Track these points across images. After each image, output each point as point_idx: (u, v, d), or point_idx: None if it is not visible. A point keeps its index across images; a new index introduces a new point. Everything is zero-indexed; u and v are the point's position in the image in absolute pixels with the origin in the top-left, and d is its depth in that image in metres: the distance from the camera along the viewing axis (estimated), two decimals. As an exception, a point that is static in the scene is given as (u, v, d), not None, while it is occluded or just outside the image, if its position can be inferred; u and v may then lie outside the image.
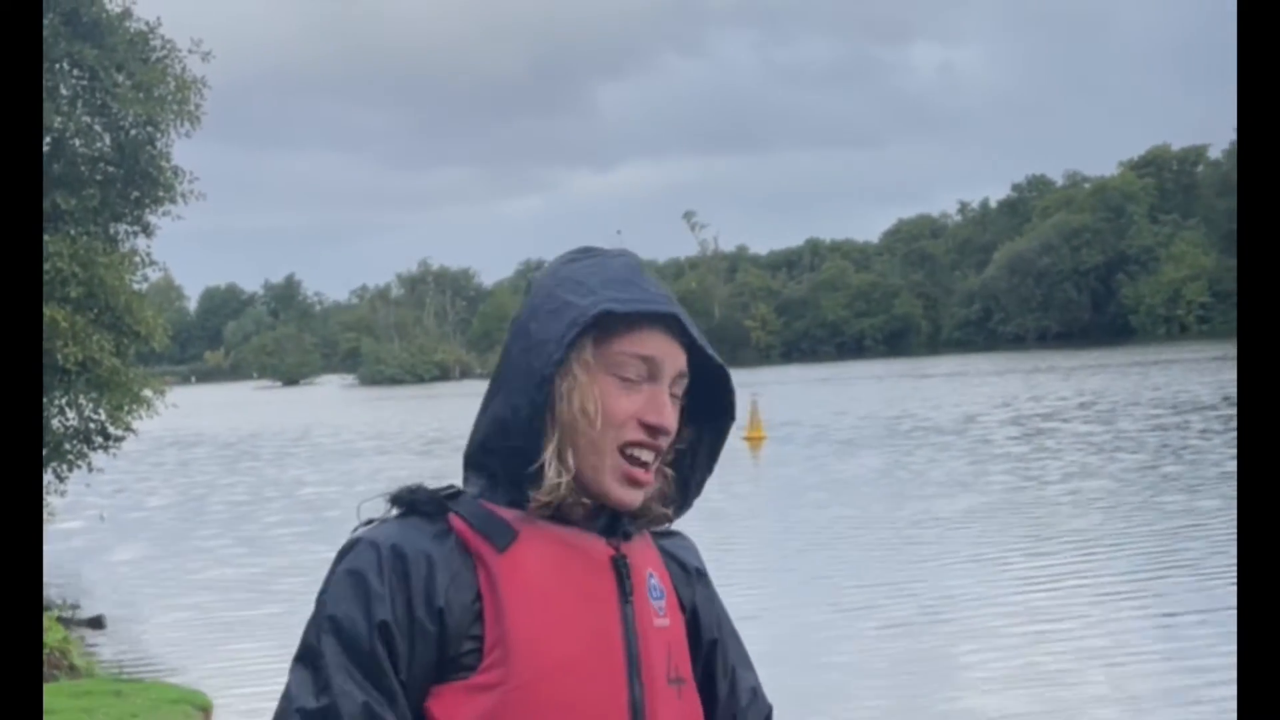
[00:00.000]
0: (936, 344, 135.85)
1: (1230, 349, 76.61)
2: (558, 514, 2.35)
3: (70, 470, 24.10)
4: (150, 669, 17.17)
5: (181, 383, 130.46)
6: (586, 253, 2.50)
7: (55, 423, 23.70)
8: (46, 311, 20.90)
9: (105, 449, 24.10)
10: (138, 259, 23.69)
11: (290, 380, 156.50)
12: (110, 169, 23.05)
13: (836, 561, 21.04)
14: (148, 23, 22.81)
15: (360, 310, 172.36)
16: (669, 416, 2.36)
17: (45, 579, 23.23)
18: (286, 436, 60.50)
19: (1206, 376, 58.21)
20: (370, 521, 2.36)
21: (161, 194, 23.05)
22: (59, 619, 18.64)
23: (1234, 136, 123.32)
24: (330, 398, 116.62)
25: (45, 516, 26.60)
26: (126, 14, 22.63)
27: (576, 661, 2.29)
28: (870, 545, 22.19)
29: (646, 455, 2.36)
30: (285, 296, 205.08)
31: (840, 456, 36.94)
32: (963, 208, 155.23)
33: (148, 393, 23.43)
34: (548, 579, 2.31)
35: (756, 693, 2.60)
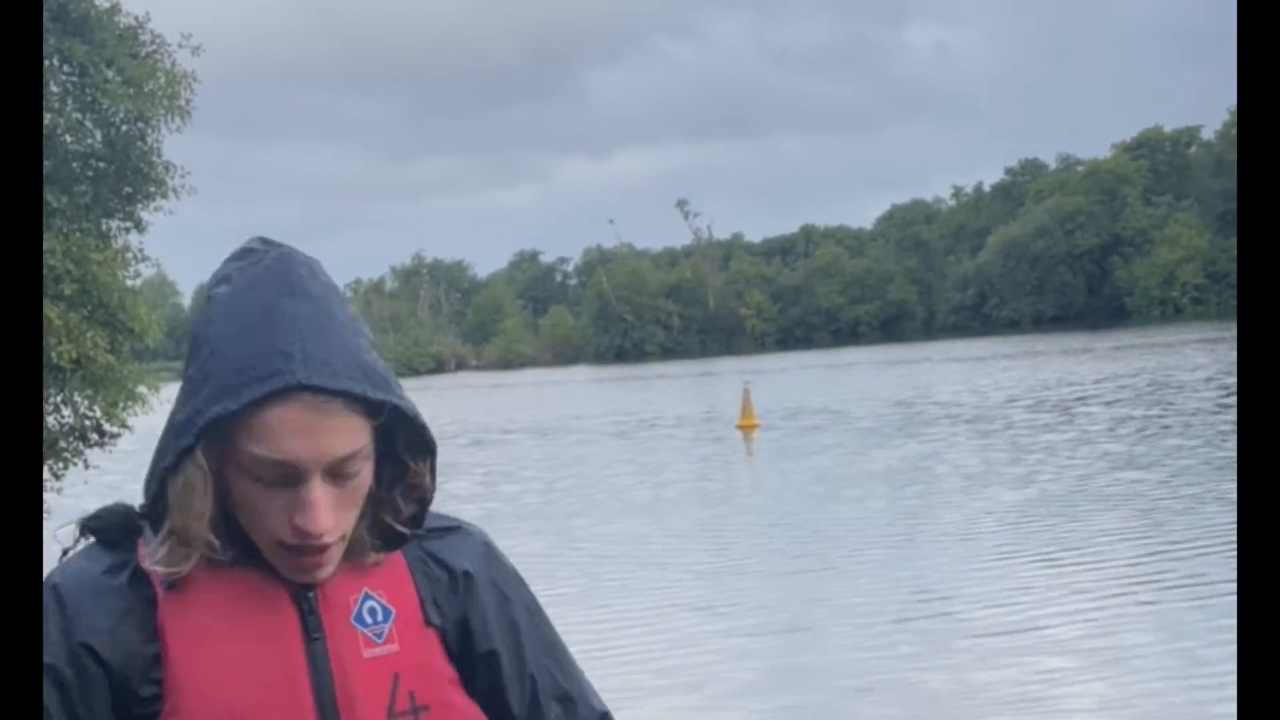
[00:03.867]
0: (932, 329, 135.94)
1: (1226, 330, 76.81)
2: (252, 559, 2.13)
3: (66, 468, 24.05)
4: None
5: (176, 379, 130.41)
6: (240, 261, 2.15)
7: (50, 420, 23.63)
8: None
9: (101, 446, 24.07)
10: (130, 255, 23.66)
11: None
12: (101, 165, 23.00)
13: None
14: (136, 17, 22.80)
15: (354, 304, 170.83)
16: (320, 520, 2.04)
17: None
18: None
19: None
20: (66, 553, 2.18)
21: (153, 189, 23.02)
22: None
23: (1226, 117, 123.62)
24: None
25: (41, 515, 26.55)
26: (115, 9, 22.61)
27: (253, 706, 2.07)
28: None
29: (315, 548, 2.07)
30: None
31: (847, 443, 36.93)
32: (956, 192, 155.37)
33: (142, 389, 23.43)
34: (217, 620, 2.09)
35: (572, 700, 2.34)
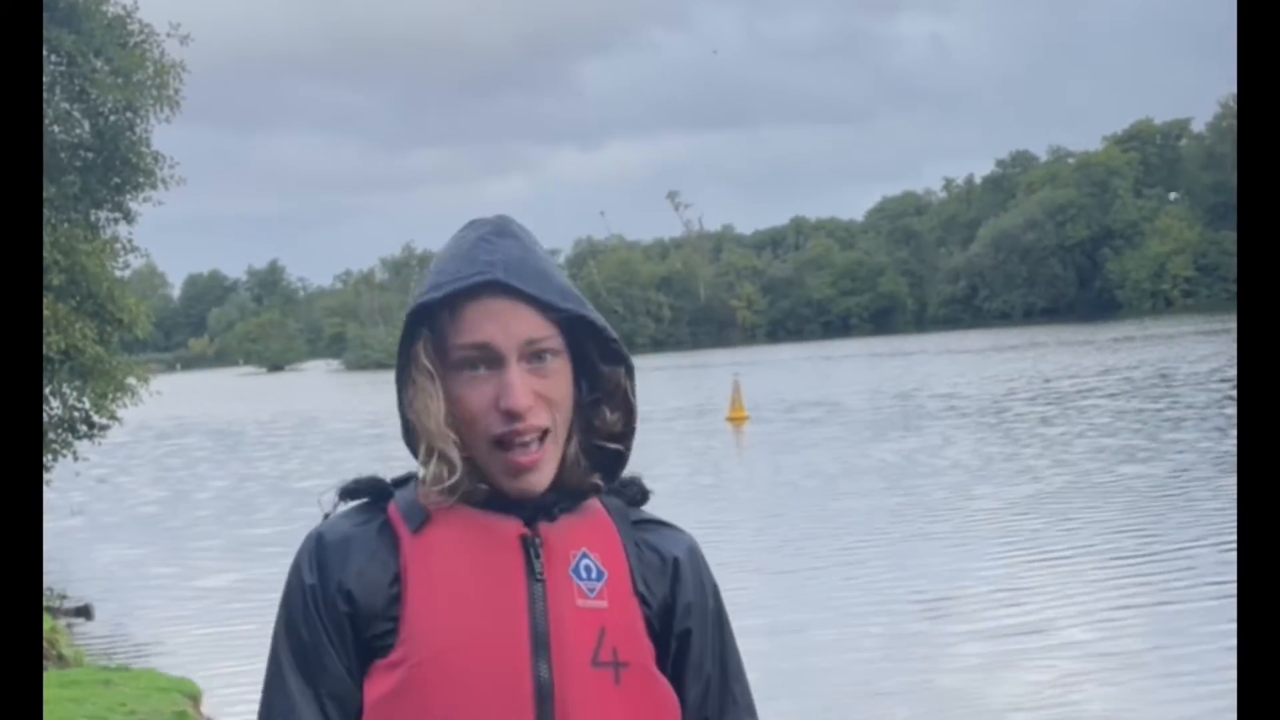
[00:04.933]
0: (923, 321, 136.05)
1: (1216, 323, 76.82)
2: (484, 498, 2.36)
3: (55, 460, 24.01)
4: (139, 658, 17.12)
5: (166, 370, 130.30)
6: (465, 228, 2.47)
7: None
8: (29, 300, 20.72)
9: (90, 438, 24.05)
10: (119, 246, 23.63)
11: (275, 366, 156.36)
12: (89, 155, 22.95)
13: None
14: (125, 6, 22.70)
15: (344, 295, 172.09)
16: (518, 397, 2.29)
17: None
18: (274, 423, 60.36)
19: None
20: (327, 516, 2.42)
21: (142, 179, 22.96)
22: (47, 608, 18.60)
23: (1217, 109, 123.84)
24: (316, 384, 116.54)
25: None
26: (104, -1, 22.47)
27: (476, 638, 2.28)
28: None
29: (522, 440, 2.31)
30: (269, 282, 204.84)
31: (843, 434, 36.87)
32: (947, 184, 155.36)
33: (132, 380, 23.39)
34: (453, 558, 2.31)
35: (738, 705, 2.54)
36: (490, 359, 2.30)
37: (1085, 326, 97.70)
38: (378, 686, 2.30)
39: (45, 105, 22.41)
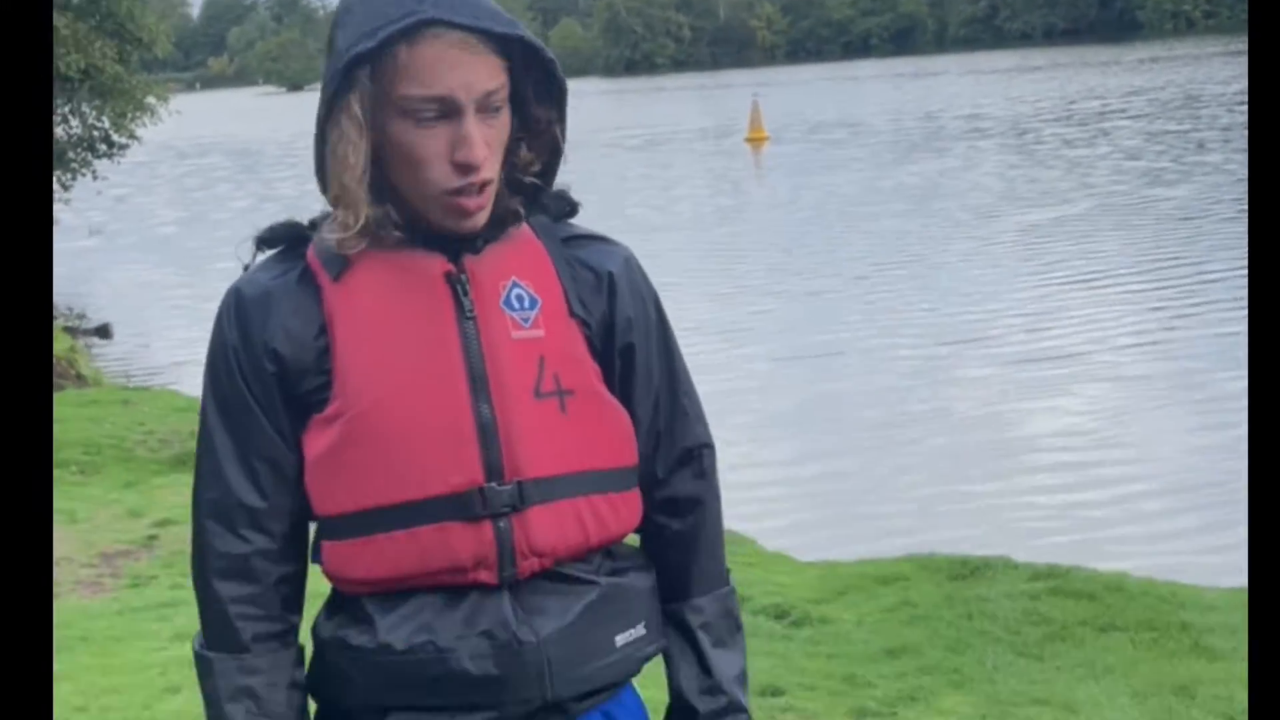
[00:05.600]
0: (943, 41, 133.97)
1: (1240, 44, 75.58)
2: (406, 236, 2.25)
3: (74, 179, 23.97)
4: (158, 377, 17.20)
5: (185, 90, 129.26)
6: None
7: (59, 131, 23.48)
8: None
9: (110, 157, 24.00)
10: (138, -38, 23.22)
11: (295, 86, 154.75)
12: None
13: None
14: None
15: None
16: (477, 150, 2.16)
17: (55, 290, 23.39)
18: (293, 143, 60.15)
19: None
20: (246, 268, 2.32)
21: (160, -106, 22.53)
22: (65, 328, 18.65)
23: None
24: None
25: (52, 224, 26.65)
26: None
27: (412, 384, 2.21)
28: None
29: (473, 190, 2.19)
30: (288, 2, 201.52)
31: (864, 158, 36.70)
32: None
33: (151, 99, 23.24)
34: (378, 303, 2.23)
35: (688, 414, 2.44)
36: (447, 111, 2.16)
37: (1108, 47, 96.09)
38: (317, 442, 2.24)
39: None
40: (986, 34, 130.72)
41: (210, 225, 32.01)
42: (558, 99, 2.29)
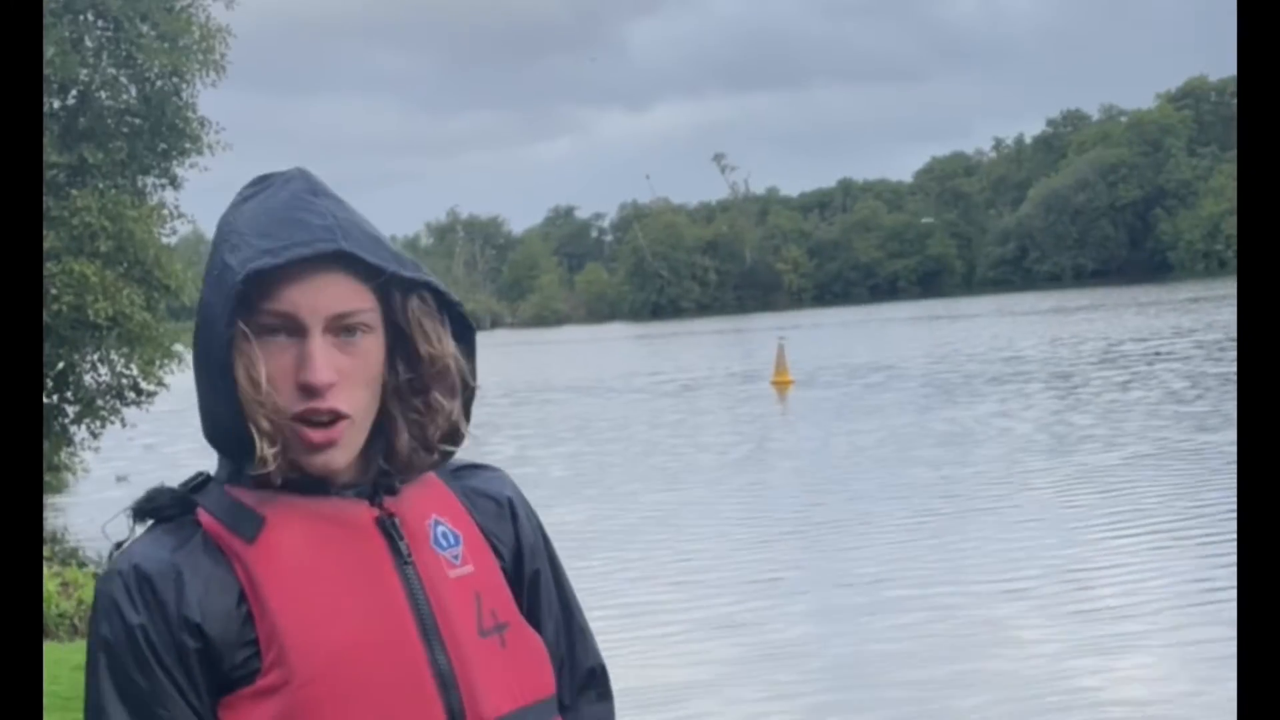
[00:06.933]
0: (971, 284, 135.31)
1: None
2: (311, 485, 2.12)
3: (104, 427, 24.23)
4: None
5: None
6: (258, 185, 2.22)
7: (88, 379, 23.81)
8: (76, 266, 20.89)
9: (138, 405, 24.19)
10: (166, 212, 23.77)
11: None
12: (136, 121, 23.05)
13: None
14: (170, -30, 22.62)
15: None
16: (317, 370, 2.05)
17: (80, 537, 23.17)
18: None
19: None
20: (121, 545, 2.13)
21: (188, 145, 23.06)
22: (95, 575, 18.56)
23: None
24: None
25: (80, 473, 26.64)
26: (148, -38, 22.44)
27: (361, 642, 2.08)
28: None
29: (319, 418, 2.07)
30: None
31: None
32: (997, 144, 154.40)
33: (179, 347, 23.53)
34: (306, 560, 2.09)
35: (586, 634, 2.39)
36: (291, 329, 2.07)
37: (1140, 288, 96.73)
38: (256, 718, 2.06)
39: (93, 71, 22.51)
40: (1015, 275, 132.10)
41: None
42: (464, 340, 2.22)
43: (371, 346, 2.12)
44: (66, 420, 24.03)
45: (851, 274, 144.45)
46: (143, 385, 23.84)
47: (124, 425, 24.45)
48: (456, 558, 2.18)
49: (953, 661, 12.79)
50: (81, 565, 18.89)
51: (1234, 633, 12.88)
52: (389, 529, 2.13)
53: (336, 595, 2.08)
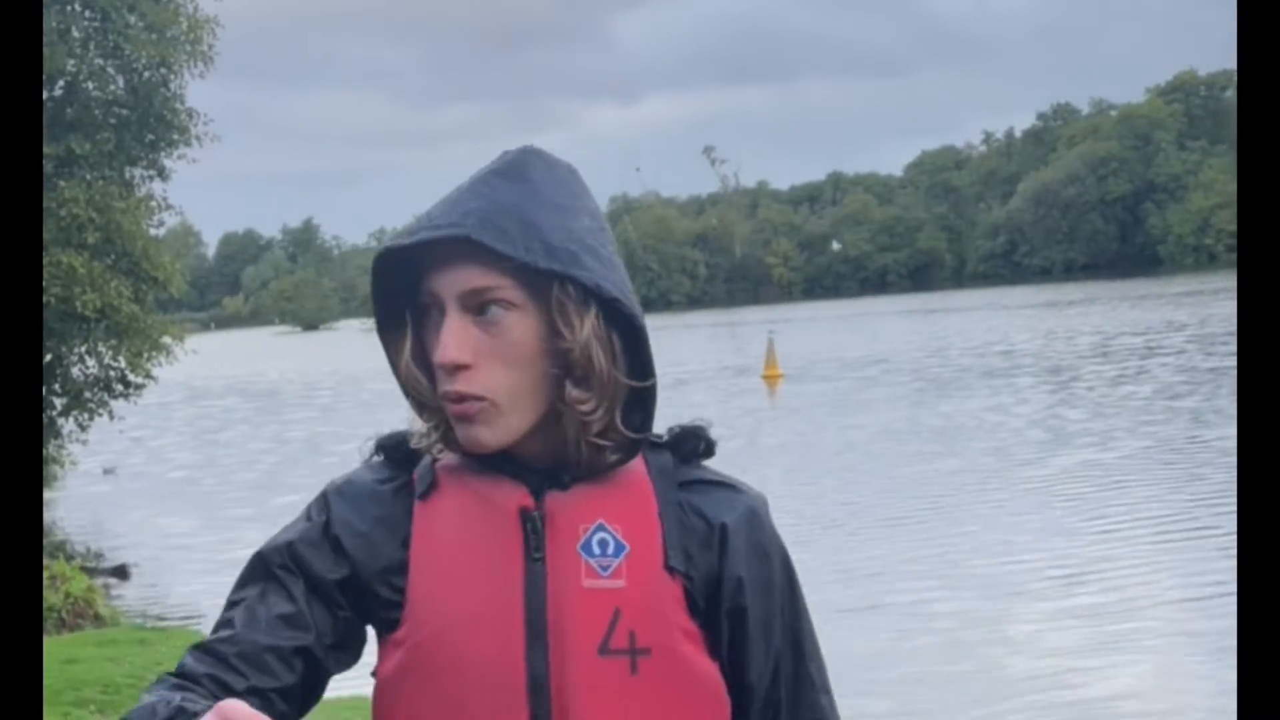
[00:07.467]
0: (961, 278, 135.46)
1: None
2: (489, 461, 2.13)
3: (92, 419, 24.19)
4: (175, 617, 17.25)
5: (201, 329, 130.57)
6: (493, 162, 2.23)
7: (75, 371, 23.75)
8: (64, 258, 20.78)
9: (126, 397, 24.10)
10: (154, 204, 23.72)
11: (310, 325, 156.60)
12: (124, 112, 22.97)
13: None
14: (157, -40, 22.52)
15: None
16: (446, 350, 2.06)
17: (67, 530, 23.07)
18: (318, 384, 60.34)
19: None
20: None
21: (176, 136, 22.99)
22: (83, 568, 18.59)
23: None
24: (350, 342, 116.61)
25: (66, 465, 26.54)
26: (136, -48, 22.35)
27: (470, 622, 2.08)
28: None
29: (457, 395, 2.08)
30: (303, 241, 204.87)
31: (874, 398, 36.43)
32: (987, 138, 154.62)
33: (167, 339, 23.45)
34: (451, 530, 2.12)
35: (813, 686, 2.22)
36: (435, 310, 2.10)
37: (1131, 282, 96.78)
38: (386, 663, 2.12)
39: (80, 61, 22.43)
40: (1005, 269, 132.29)
41: (227, 469, 31.87)
42: (629, 336, 2.12)
43: (515, 324, 2.08)
44: (54, 413, 23.92)
45: (841, 267, 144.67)
46: (131, 377, 23.75)
47: (112, 418, 24.41)
48: (606, 568, 2.09)
49: (946, 660, 12.72)
50: (69, 559, 18.80)
51: (1229, 628, 12.90)
52: (527, 521, 2.10)
53: (464, 571, 2.10)
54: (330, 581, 2.12)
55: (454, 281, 2.06)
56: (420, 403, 2.16)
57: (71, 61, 22.22)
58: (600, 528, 2.10)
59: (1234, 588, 14.01)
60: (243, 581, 2.16)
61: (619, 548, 2.09)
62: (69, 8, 22.39)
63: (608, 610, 2.07)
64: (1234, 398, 28.68)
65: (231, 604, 2.14)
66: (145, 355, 23.25)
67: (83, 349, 23.42)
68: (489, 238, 2.03)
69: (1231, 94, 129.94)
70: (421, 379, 2.14)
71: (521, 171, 2.13)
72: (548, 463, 2.12)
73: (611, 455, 2.12)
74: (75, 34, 22.62)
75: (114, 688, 11.47)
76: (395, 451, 2.20)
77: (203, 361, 29.79)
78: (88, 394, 23.90)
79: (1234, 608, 13.31)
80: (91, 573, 19.21)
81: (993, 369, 41.11)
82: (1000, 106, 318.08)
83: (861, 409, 32.99)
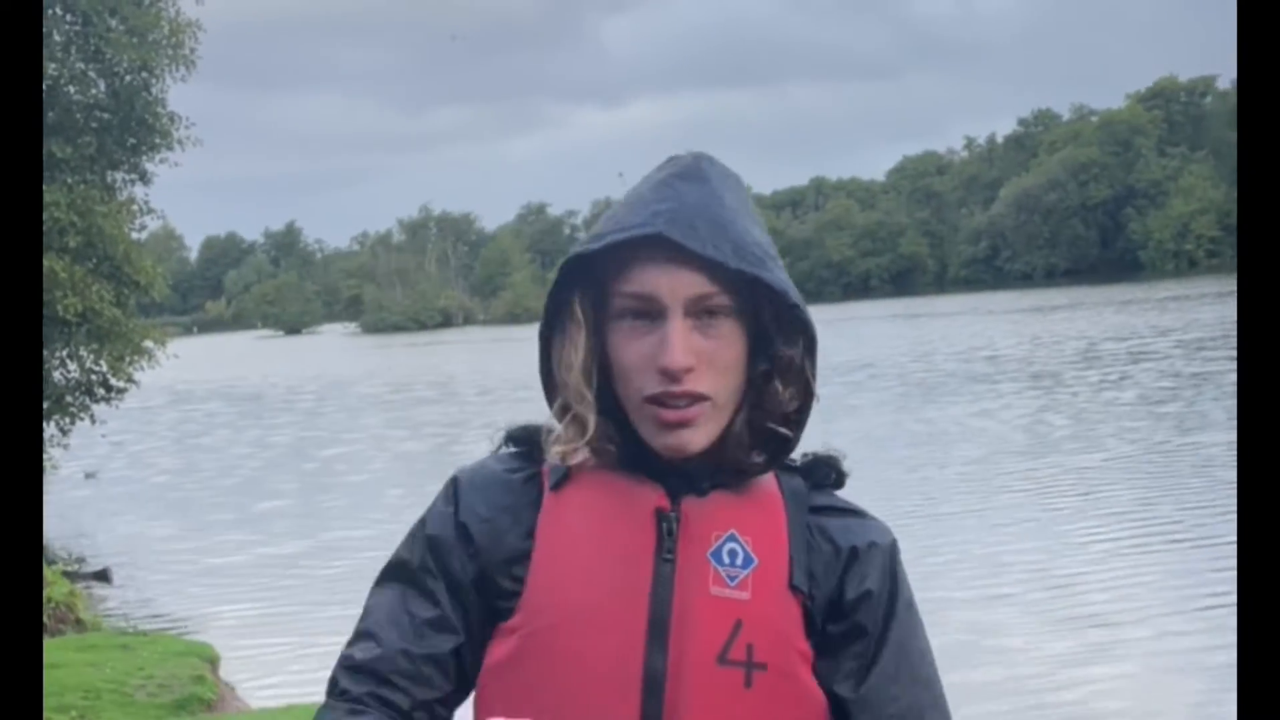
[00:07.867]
0: (943, 283, 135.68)
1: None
2: (627, 458, 2.14)
3: (73, 423, 24.10)
4: (157, 622, 17.19)
5: (183, 333, 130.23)
6: (661, 166, 2.23)
7: (56, 375, 23.69)
8: (45, 262, 20.68)
9: (107, 401, 24.03)
10: (136, 207, 23.64)
11: (292, 329, 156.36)
12: (106, 116, 22.89)
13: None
14: (139, -36, 22.47)
15: (361, 257, 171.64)
16: (675, 354, 2.05)
17: (49, 534, 22.99)
18: (300, 388, 60.20)
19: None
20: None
21: (158, 140, 22.91)
22: (64, 573, 18.54)
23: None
24: (333, 346, 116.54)
25: (48, 469, 26.45)
26: (118, -45, 22.28)
27: (592, 617, 2.09)
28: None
29: (676, 402, 2.07)
30: (286, 244, 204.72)
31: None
32: (969, 143, 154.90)
33: (149, 343, 23.41)
34: (584, 524, 2.13)
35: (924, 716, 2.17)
36: (650, 313, 2.08)
37: (1114, 287, 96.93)
38: (495, 651, 2.14)
39: (61, 65, 22.33)
40: (987, 274, 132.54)
41: (209, 473, 31.76)
42: (805, 342, 2.16)
43: (733, 338, 2.11)
44: (35, 417, 23.84)
45: (824, 272, 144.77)
46: (112, 381, 23.71)
47: (93, 422, 24.34)
48: (733, 579, 2.10)
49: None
50: (50, 563, 18.74)
51: (1214, 632, 12.89)
52: (663, 521, 2.11)
53: (591, 564, 2.11)
54: (467, 578, 2.15)
55: (684, 285, 2.07)
56: (566, 406, 2.15)
57: (53, 65, 22.13)
58: (732, 537, 2.12)
59: (1217, 592, 14.14)
60: (380, 585, 2.20)
61: (748, 560, 2.11)
62: (50, 11, 22.30)
63: (730, 620, 2.08)
64: (1217, 403, 28.78)
65: (369, 611, 2.18)
66: (127, 359, 23.19)
67: (64, 353, 23.35)
68: (678, 234, 2.05)
69: (1211, 100, 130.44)
70: (590, 383, 2.14)
71: (703, 175, 2.15)
72: (686, 466, 2.13)
73: (758, 456, 2.15)
74: (56, 38, 22.54)
75: (95, 693, 11.46)
76: (525, 443, 2.23)
77: (185, 365, 29.71)
78: (69, 398, 23.82)
79: (1218, 613, 13.42)
80: (73, 577, 19.21)
81: (977, 374, 41.08)
82: (982, 112, 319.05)
83: (846, 414, 32.95)
